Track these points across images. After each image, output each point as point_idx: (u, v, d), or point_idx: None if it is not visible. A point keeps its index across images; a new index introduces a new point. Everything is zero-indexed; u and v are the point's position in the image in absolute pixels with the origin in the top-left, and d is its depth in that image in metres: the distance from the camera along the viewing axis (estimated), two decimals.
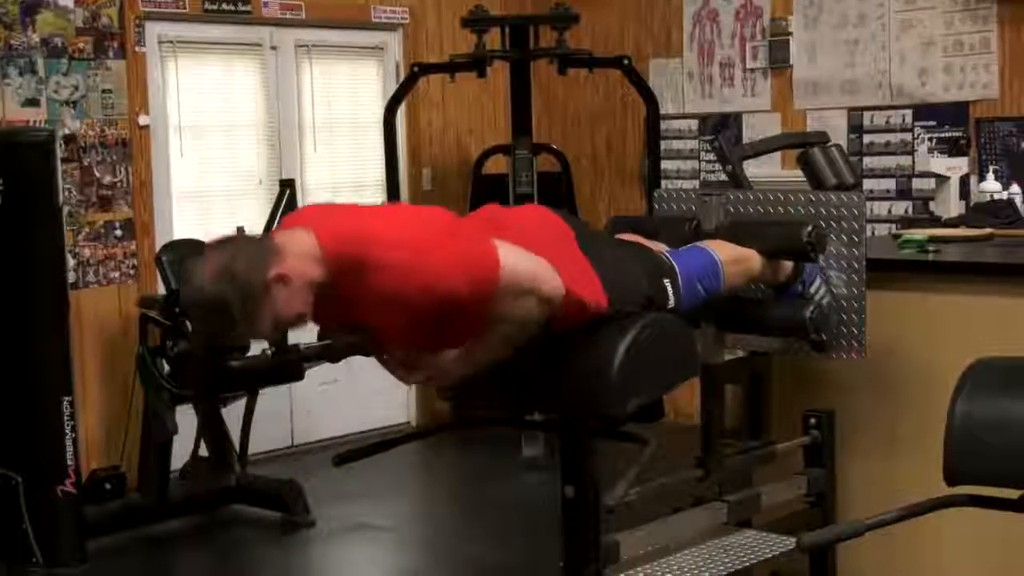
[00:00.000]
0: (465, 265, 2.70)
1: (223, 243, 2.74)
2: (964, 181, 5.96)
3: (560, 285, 2.83)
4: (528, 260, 2.82)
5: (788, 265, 3.55)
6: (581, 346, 2.92)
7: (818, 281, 3.56)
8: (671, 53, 7.52)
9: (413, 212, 3.06)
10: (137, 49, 6.48)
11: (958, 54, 6.35)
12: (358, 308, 2.75)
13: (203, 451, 6.13)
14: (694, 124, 7.47)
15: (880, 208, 6.56)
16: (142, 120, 6.52)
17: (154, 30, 6.59)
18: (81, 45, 6.28)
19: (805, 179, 3.86)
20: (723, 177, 4.02)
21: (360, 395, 7.19)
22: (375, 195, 7.43)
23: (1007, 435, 2.26)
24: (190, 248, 6.16)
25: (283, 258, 2.67)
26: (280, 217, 6.08)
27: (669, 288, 3.12)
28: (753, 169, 3.98)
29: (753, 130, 7.10)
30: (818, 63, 6.90)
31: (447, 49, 7.46)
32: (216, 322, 2.71)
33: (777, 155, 6.41)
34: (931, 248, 4.03)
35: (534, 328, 2.87)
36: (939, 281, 3.83)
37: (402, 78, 7.25)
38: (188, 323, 5.48)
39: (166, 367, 5.62)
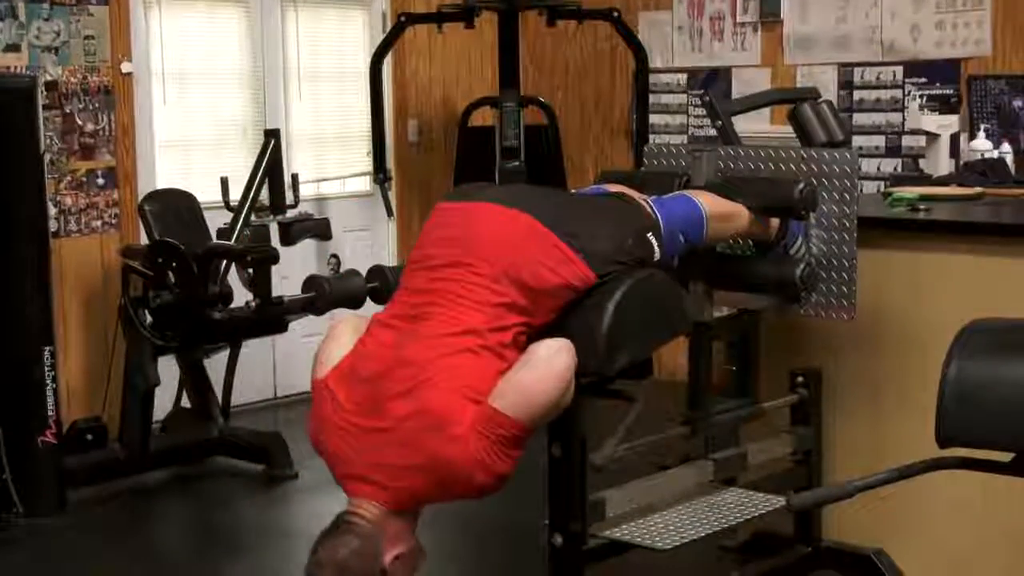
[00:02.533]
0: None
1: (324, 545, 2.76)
2: (955, 139, 5.91)
3: (572, 359, 2.79)
4: (535, 397, 2.75)
5: (775, 222, 3.52)
6: (570, 304, 2.89)
7: (799, 240, 3.53)
8: (661, 6, 7.45)
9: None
10: None
11: (950, 10, 6.30)
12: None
13: (185, 402, 6.11)
14: (683, 78, 7.41)
15: (869, 165, 6.52)
16: (125, 67, 6.44)
17: None
18: None
19: (795, 135, 3.82)
20: (711, 132, 3.97)
21: None
22: (361, 145, 7.37)
23: (1000, 398, 2.24)
24: (173, 197, 6.12)
25: (384, 542, 2.76)
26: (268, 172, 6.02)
27: (654, 242, 3.10)
28: (742, 125, 3.94)
29: (742, 85, 7.04)
30: (809, 18, 6.84)
31: None
32: None
33: (766, 111, 6.36)
34: (922, 207, 4.00)
35: None
36: (929, 240, 3.80)
37: (389, 28, 7.17)
38: (172, 275, 5.45)
39: (148, 318, 5.58)
